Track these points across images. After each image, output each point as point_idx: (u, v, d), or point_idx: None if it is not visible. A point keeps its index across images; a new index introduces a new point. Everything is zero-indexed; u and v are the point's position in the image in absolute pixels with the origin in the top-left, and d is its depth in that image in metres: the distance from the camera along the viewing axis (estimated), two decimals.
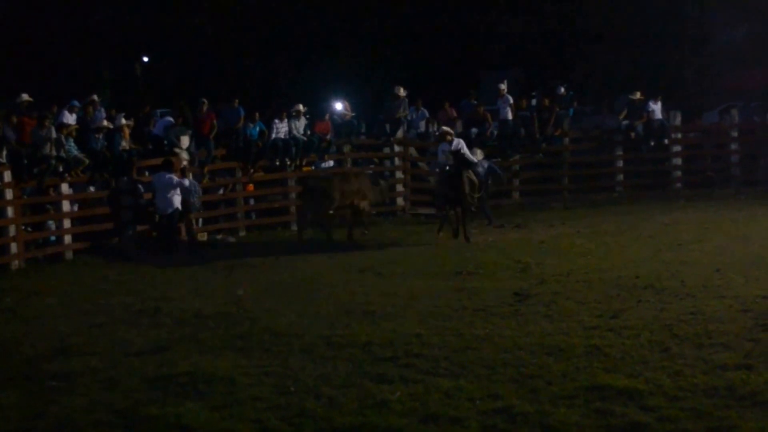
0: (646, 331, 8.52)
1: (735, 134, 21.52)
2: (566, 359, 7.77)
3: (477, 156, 16.94)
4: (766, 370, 7.18)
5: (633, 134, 20.75)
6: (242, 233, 17.95)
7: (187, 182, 16.12)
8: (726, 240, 13.93)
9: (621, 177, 21.27)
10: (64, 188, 15.78)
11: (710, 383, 6.98)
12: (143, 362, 8.41)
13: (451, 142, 15.76)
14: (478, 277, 11.99)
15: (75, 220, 16.00)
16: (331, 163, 20.07)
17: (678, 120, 21.42)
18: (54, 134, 15.48)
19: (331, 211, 16.30)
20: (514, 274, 12.08)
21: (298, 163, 18.90)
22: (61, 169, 15.59)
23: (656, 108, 20.96)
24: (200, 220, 17.52)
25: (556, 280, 11.33)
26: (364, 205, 16.72)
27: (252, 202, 19.01)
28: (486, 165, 17.46)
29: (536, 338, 8.48)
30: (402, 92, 20.22)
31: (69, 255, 15.60)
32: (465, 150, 15.70)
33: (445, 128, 17.00)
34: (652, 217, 17.10)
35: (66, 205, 15.81)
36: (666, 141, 21.01)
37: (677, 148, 21.37)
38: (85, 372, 8.21)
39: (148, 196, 16.21)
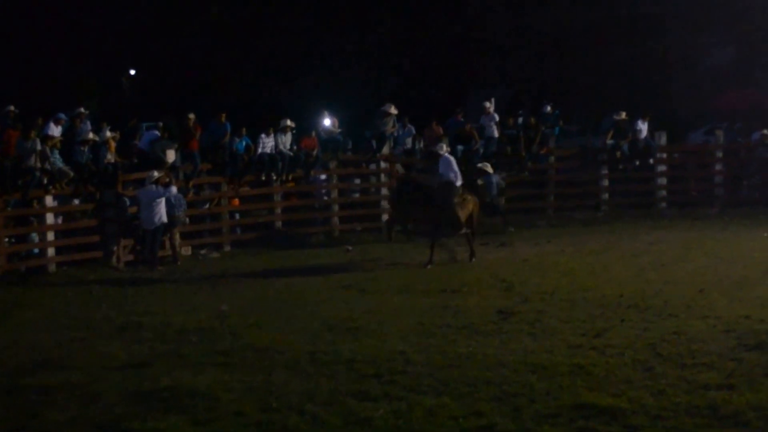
0: (630, 350, 8.55)
1: (719, 155, 21.68)
2: (549, 377, 7.78)
3: (487, 170, 17.43)
4: (748, 390, 7.22)
5: (619, 153, 20.86)
6: (227, 248, 17.88)
7: (174, 190, 16.04)
8: (709, 260, 14.01)
9: (606, 196, 21.36)
10: (48, 201, 15.70)
11: (693, 403, 7.01)
12: (125, 377, 8.36)
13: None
14: (462, 294, 11.99)
15: (59, 232, 15.92)
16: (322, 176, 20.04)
17: (663, 140, 21.56)
18: (39, 146, 15.42)
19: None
20: (499, 292, 12.09)
21: (284, 178, 18.87)
22: (45, 181, 15.52)
23: (644, 127, 21.11)
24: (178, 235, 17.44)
25: (540, 299, 11.36)
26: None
27: (237, 216, 18.95)
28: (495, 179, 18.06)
29: (520, 356, 8.49)
30: (393, 110, 20.23)
31: (52, 267, 15.51)
32: (452, 168, 15.47)
33: (434, 149, 16.84)
34: (636, 236, 17.16)
35: (50, 218, 15.74)
36: (651, 160, 21.14)
37: (662, 168, 21.49)
38: (66, 386, 8.15)
39: (133, 209, 16.14)
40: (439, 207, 14.90)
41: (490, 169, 17.46)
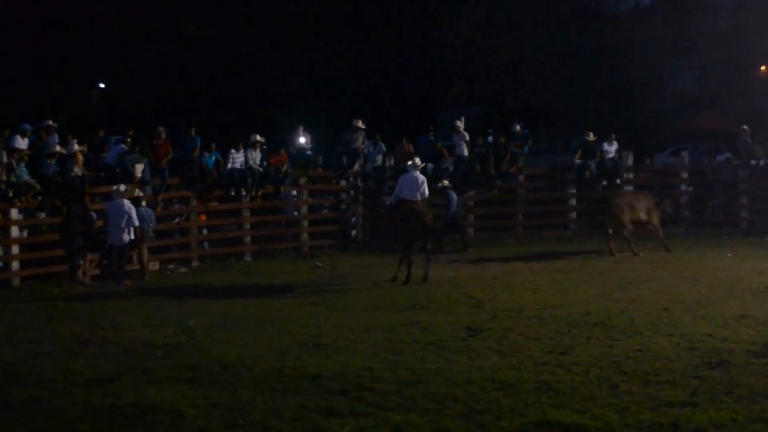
0: (595, 367, 8.61)
1: (685, 176, 21.97)
2: (516, 394, 7.81)
3: (447, 186, 18.22)
4: (710, 407, 7.31)
5: (588, 173, 21.08)
6: (195, 263, 17.78)
7: (143, 204, 15.93)
8: (674, 279, 14.18)
9: (574, 215, 21.55)
10: (14, 213, 15.53)
11: (656, 420, 7.07)
12: (89, 392, 8.26)
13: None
14: (430, 311, 12.02)
15: (24, 246, 15.74)
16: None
17: (630, 160, 21.82)
18: (5, 158, 15.26)
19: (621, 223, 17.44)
20: (467, 309, 12.13)
21: (253, 194, 18.82)
22: (11, 194, 15.35)
23: (611, 149, 21.38)
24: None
25: (508, 316, 11.41)
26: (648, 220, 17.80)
27: (205, 232, 18.86)
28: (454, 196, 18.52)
29: (487, 373, 8.51)
30: (360, 124, 20.34)
31: (16, 281, 15.32)
32: (405, 186, 15.11)
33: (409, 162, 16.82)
34: (603, 255, 17.31)
35: (15, 231, 15.56)
36: (618, 180, 21.38)
37: (629, 188, 21.72)
38: (30, 402, 8.04)
39: (99, 223, 15.98)
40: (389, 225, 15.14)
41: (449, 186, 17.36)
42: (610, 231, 17.70)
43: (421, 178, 15.29)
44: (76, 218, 15.93)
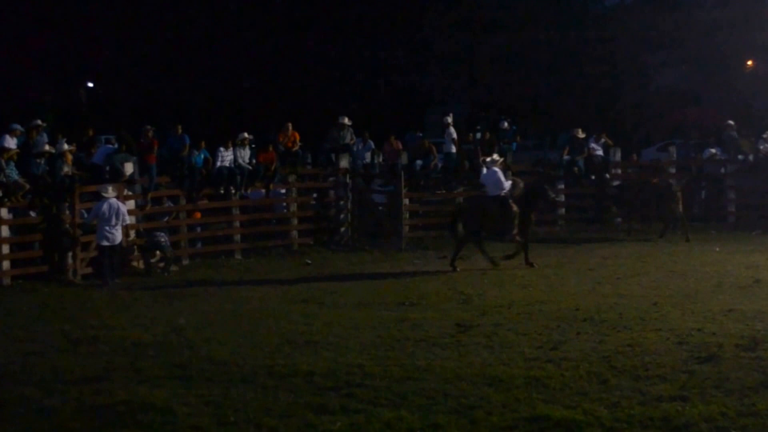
0: (585, 362, 8.66)
1: (673, 170, 22.06)
2: (506, 390, 7.86)
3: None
4: (700, 401, 7.36)
5: (576, 169, 21.15)
6: (185, 261, 17.75)
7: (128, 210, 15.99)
8: (663, 274, 14.27)
9: (562, 211, 21.60)
10: (3, 213, 15.46)
11: (646, 414, 7.12)
12: (81, 391, 8.26)
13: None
14: (420, 307, 12.05)
15: (14, 245, 15.69)
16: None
17: (617, 156, 21.89)
18: None
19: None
20: (457, 305, 12.17)
21: (242, 191, 18.79)
22: (0, 193, 15.29)
23: (597, 146, 21.45)
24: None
25: (497, 312, 11.46)
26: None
27: (198, 230, 18.81)
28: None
29: (477, 369, 8.56)
30: (347, 121, 20.35)
31: (7, 281, 15.27)
32: (494, 179, 15.84)
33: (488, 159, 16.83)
34: (592, 250, 17.39)
35: (5, 231, 15.49)
36: (607, 176, 21.45)
37: (617, 184, 21.78)
38: (20, 401, 8.04)
39: (80, 221, 15.91)
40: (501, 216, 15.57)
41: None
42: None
43: (499, 172, 15.90)
44: (65, 218, 15.85)
